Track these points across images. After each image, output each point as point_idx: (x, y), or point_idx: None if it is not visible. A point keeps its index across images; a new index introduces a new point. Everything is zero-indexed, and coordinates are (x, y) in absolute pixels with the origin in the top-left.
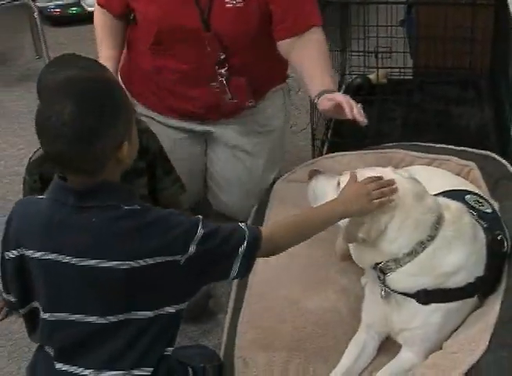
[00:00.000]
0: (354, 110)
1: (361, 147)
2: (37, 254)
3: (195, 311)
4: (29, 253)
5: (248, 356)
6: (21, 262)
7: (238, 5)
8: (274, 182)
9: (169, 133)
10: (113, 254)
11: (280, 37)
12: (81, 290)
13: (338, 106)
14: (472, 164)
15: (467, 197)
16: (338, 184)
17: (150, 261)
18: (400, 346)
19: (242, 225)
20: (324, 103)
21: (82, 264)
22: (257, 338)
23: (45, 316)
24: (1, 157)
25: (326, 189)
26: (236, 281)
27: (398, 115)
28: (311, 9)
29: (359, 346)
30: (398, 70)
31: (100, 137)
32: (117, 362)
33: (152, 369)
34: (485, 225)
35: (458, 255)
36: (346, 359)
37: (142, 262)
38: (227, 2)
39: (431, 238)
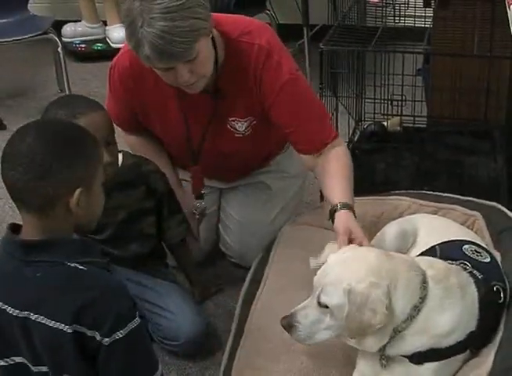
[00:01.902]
0: None
1: (369, 193)
2: None
3: (191, 349)
4: None
5: None
6: None
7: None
8: None
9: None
10: (51, 313)
11: (299, 152)
12: (25, 341)
13: None
14: (477, 214)
15: (465, 246)
16: (319, 304)
17: (77, 329)
18: None
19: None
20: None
21: (23, 317)
22: None
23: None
24: None
25: (317, 319)
26: (236, 319)
27: (409, 163)
28: (320, 128)
29: None
30: (412, 118)
31: (52, 174)
32: None
33: None
34: (481, 277)
35: (451, 316)
36: None
37: (69, 329)
38: (235, 132)
39: (422, 300)
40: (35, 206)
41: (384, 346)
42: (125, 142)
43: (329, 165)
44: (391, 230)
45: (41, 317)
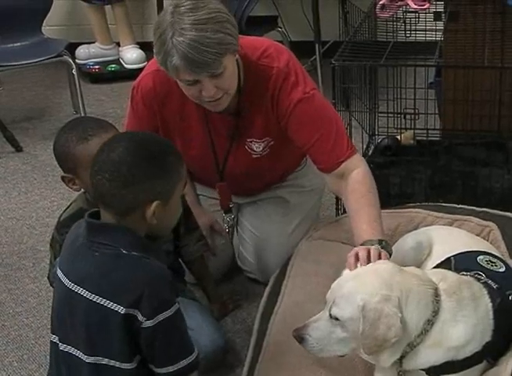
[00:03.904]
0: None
1: (384, 207)
2: (59, 273)
3: (211, 365)
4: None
5: None
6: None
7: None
8: None
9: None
10: (95, 289)
11: (320, 171)
12: (71, 317)
13: None
14: (492, 224)
15: (480, 257)
16: (330, 316)
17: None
18: None
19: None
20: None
21: (72, 289)
22: None
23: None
24: (34, 209)
25: (329, 331)
26: (255, 334)
27: (423, 176)
28: (333, 147)
29: None
30: (425, 131)
31: (134, 184)
32: None
33: None
34: (495, 286)
35: (464, 328)
36: None
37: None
38: (252, 153)
39: (435, 313)
40: (114, 208)
41: (401, 361)
42: None
43: (353, 197)
44: (406, 242)
45: (86, 291)
